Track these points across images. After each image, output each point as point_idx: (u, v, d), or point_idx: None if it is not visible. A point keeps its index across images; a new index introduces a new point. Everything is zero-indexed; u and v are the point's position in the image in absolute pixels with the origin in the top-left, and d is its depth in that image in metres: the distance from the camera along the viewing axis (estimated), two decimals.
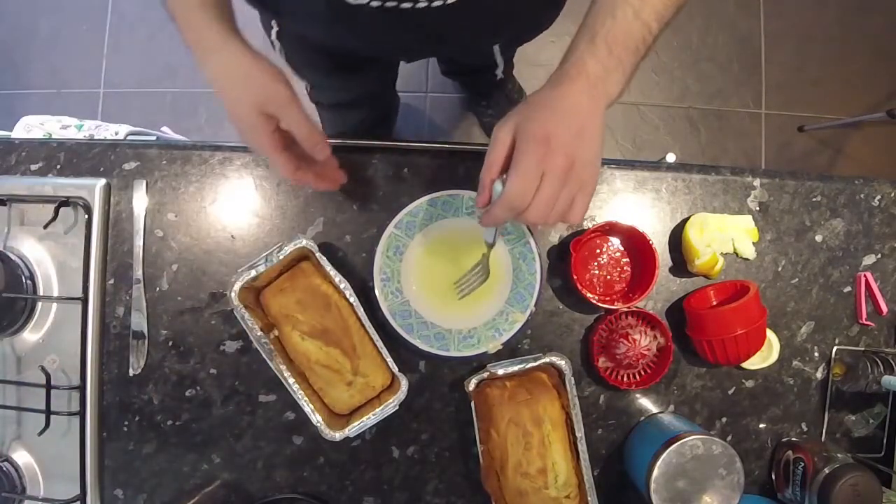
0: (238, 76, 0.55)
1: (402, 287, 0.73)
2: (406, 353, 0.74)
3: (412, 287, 0.73)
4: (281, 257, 0.67)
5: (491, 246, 0.67)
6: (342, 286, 0.68)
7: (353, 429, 0.67)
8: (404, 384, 0.68)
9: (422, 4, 0.59)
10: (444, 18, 0.62)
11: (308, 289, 0.69)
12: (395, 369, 0.69)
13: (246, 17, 0.65)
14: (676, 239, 0.77)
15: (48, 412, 0.71)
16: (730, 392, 0.78)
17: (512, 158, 0.52)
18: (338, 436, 0.67)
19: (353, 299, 0.68)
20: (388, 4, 0.58)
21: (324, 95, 1.14)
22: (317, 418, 0.67)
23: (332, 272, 0.68)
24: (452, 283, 0.73)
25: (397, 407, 0.68)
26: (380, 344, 0.69)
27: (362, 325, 0.69)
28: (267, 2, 0.70)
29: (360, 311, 0.69)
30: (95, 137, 0.98)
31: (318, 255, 0.68)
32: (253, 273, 0.67)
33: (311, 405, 0.67)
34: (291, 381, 0.67)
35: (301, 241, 0.67)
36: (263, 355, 0.67)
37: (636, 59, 0.54)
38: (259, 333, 0.67)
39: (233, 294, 0.66)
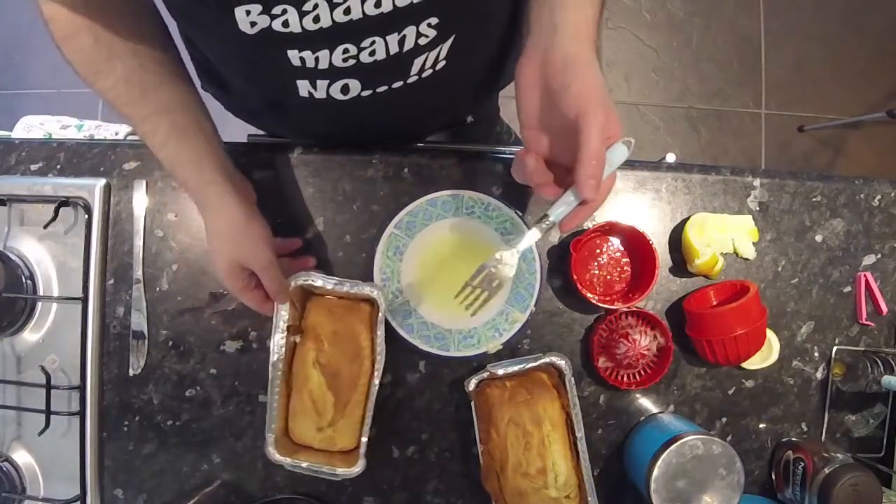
0: (231, 238, 0.62)
1: (403, 287, 0.73)
2: (406, 353, 0.74)
3: (412, 287, 0.73)
4: (352, 291, 0.68)
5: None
6: (379, 352, 0.67)
7: (290, 462, 0.67)
8: (359, 466, 0.67)
9: (413, 78, 0.59)
10: (433, 88, 0.63)
11: (350, 330, 0.69)
12: (363, 450, 0.67)
13: None
14: (676, 239, 0.77)
15: (48, 412, 0.71)
16: (730, 392, 0.78)
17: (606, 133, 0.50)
18: (276, 457, 0.66)
19: (378, 366, 0.67)
20: (380, 90, 0.60)
21: None
22: (272, 433, 0.67)
23: (381, 338, 0.67)
24: (454, 297, 0.66)
25: (336, 479, 0.68)
26: (368, 419, 0.68)
27: (368, 391, 0.69)
28: (248, 109, 0.76)
29: (376, 382, 0.68)
30: (95, 137, 0.98)
31: (381, 314, 0.67)
32: (319, 283, 0.68)
33: (276, 419, 0.67)
34: (277, 388, 0.67)
35: (378, 293, 0.67)
36: (271, 349, 0.67)
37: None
38: (283, 329, 0.67)
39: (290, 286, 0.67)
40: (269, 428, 0.67)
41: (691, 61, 1.90)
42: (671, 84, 1.90)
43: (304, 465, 0.67)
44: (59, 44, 0.55)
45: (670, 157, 0.95)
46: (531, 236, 0.56)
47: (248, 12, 0.45)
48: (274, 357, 0.67)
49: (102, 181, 0.75)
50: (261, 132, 0.85)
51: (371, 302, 0.70)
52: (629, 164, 0.78)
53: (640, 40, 1.90)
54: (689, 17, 1.91)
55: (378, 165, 0.76)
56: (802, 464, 0.72)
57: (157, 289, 0.75)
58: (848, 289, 0.79)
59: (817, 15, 1.93)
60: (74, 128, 1.20)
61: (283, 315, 0.67)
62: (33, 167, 0.76)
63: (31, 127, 1.20)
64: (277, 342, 0.67)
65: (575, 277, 0.72)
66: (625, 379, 0.75)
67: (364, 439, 0.68)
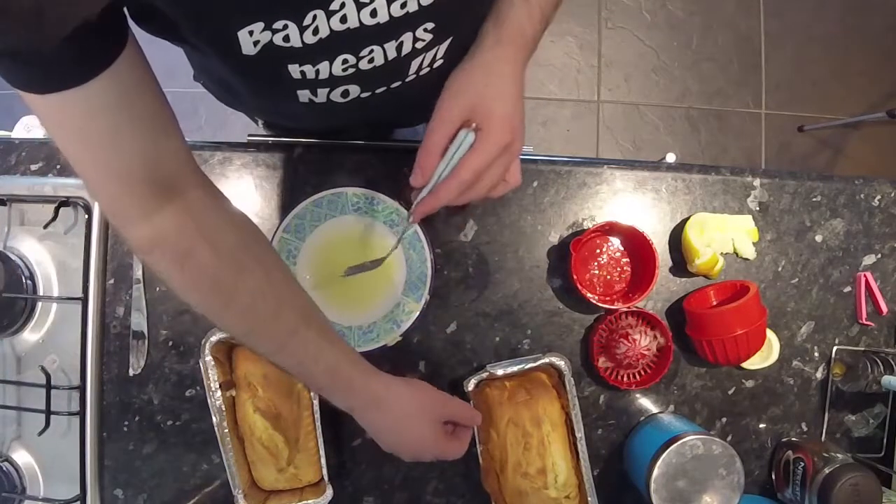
0: (415, 406, 0.60)
1: None
2: (406, 354, 0.74)
3: (308, 288, 0.72)
4: None
5: (405, 231, 0.65)
6: None
7: None
8: (329, 493, 0.68)
9: (411, 77, 0.60)
10: (431, 83, 0.62)
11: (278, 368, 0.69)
12: (326, 476, 0.68)
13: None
14: (676, 239, 0.77)
15: (48, 412, 0.71)
16: (730, 392, 0.78)
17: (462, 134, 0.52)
18: None
19: (314, 392, 0.68)
20: (379, 91, 0.60)
21: None
22: (238, 488, 0.67)
23: None
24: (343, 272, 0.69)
25: None
26: (321, 447, 0.68)
27: (313, 422, 0.69)
28: (249, 108, 0.75)
29: (316, 408, 0.68)
30: None
31: None
32: None
33: (237, 474, 0.67)
34: (228, 444, 0.67)
35: None
36: (211, 410, 0.67)
37: (552, 12, 0.55)
38: (216, 389, 0.67)
39: (207, 345, 0.67)
40: (234, 485, 0.67)
41: (691, 61, 1.90)
42: (671, 84, 1.90)
43: None
44: (172, 272, 0.48)
45: (670, 157, 0.95)
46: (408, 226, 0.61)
47: (251, 32, 0.45)
48: (216, 419, 0.67)
49: None
50: (262, 132, 0.85)
51: None
52: (629, 165, 0.78)
53: (640, 40, 1.90)
54: (689, 17, 1.91)
55: (378, 166, 0.76)
56: (802, 464, 0.72)
57: (157, 289, 0.75)
58: (848, 289, 0.79)
59: (817, 15, 1.93)
60: None
61: (212, 375, 0.67)
62: (33, 167, 0.76)
63: (31, 127, 1.19)
64: (215, 403, 0.67)
65: (575, 277, 0.72)
66: (625, 379, 0.75)
67: (324, 464, 0.68)
